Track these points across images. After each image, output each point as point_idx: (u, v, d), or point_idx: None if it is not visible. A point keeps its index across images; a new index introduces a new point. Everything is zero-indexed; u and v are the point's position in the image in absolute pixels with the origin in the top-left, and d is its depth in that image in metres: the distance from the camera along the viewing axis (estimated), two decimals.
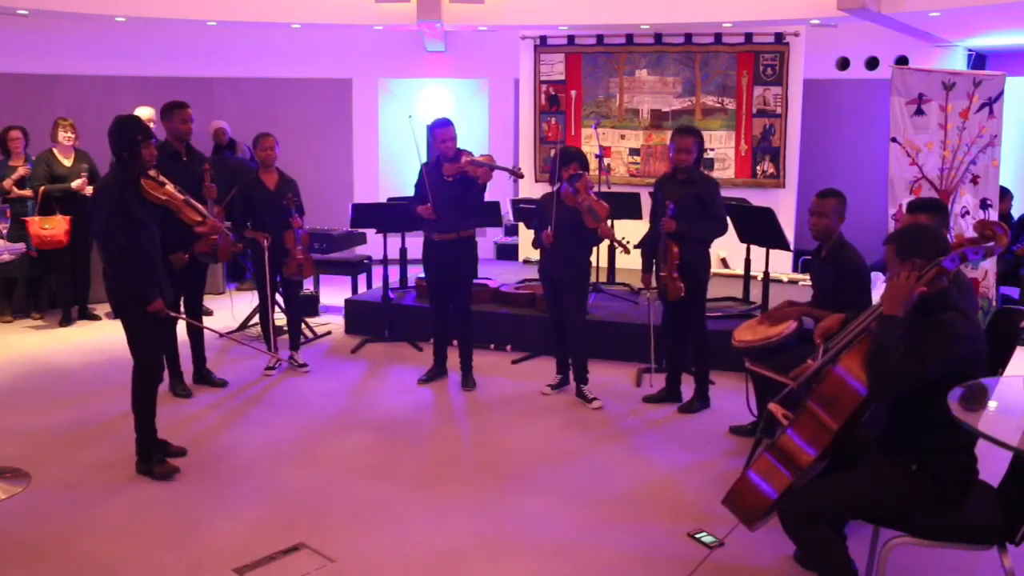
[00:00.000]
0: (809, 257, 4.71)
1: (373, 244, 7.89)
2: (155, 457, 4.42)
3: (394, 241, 7.20)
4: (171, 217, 4.70)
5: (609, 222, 5.33)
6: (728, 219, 6.78)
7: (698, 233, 5.18)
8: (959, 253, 2.93)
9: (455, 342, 6.00)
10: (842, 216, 4.42)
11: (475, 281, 7.42)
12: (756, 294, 6.94)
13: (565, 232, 5.36)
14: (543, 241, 5.44)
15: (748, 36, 8.45)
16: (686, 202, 5.16)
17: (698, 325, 5.37)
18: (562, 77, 9.08)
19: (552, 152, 6.67)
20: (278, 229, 5.94)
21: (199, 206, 4.98)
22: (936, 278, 2.89)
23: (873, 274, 4.56)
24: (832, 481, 3.06)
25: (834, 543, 2.98)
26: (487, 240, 9.47)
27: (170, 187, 4.66)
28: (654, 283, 5.42)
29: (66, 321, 7.42)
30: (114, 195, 4.22)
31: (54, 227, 7.00)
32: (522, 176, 5.60)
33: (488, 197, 8.64)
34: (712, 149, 8.59)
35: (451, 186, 5.53)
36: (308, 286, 7.61)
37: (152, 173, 4.50)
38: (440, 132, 5.56)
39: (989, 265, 6.32)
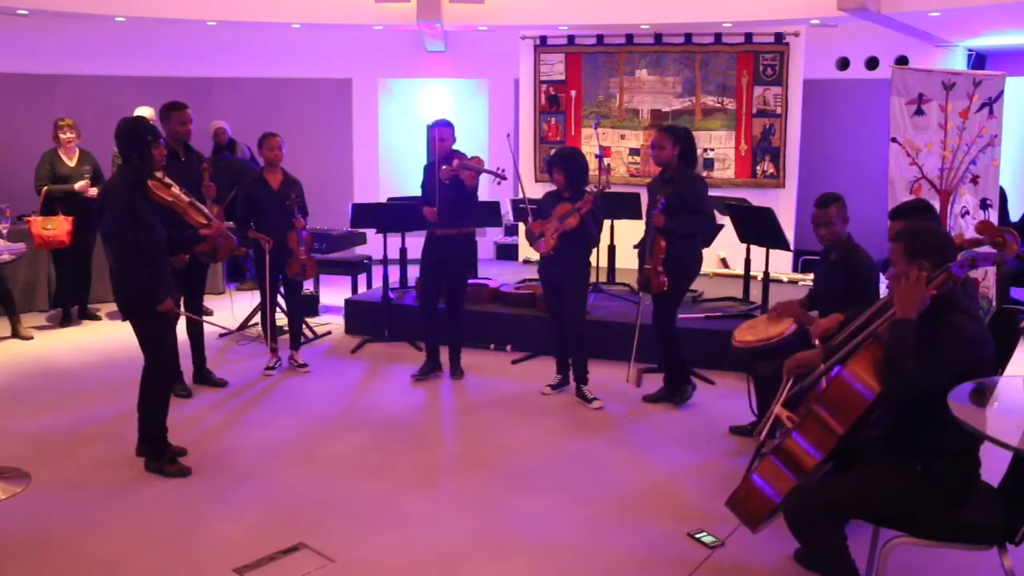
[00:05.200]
0: (810, 257, 4.70)
1: (373, 244, 7.90)
2: (166, 456, 4.43)
3: (394, 241, 7.20)
4: (172, 218, 4.71)
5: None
6: (724, 217, 6.83)
7: (685, 229, 5.17)
8: (968, 259, 2.92)
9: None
10: (846, 218, 4.39)
11: (475, 281, 7.51)
12: (756, 294, 6.94)
13: (563, 233, 5.37)
14: (531, 232, 5.52)
15: (748, 36, 8.45)
16: (670, 201, 5.17)
17: (664, 318, 5.34)
18: (562, 77, 9.08)
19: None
20: (281, 229, 5.94)
21: (204, 208, 5.00)
22: (944, 282, 2.89)
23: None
24: (838, 480, 3.06)
25: (837, 542, 2.98)
26: (487, 240, 9.47)
27: (176, 188, 4.69)
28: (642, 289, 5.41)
29: (66, 321, 7.42)
30: (122, 196, 4.23)
31: (56, 227, 7.00)
32: (505, 178, 5.75)
33: (488, 197, 8.74)
34: (712, 149, 8.60)
35: (448, 187, 5.70)
36: (308, 286, 7.61)
37: (159, 174, 4.52)
38: (436, 132, 5.80)
39: (990, 266, 6.32)
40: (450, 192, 5.70)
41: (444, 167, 5.68)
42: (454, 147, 5.83)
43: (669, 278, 5.20)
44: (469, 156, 5.79)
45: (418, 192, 6.14)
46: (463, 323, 6.09)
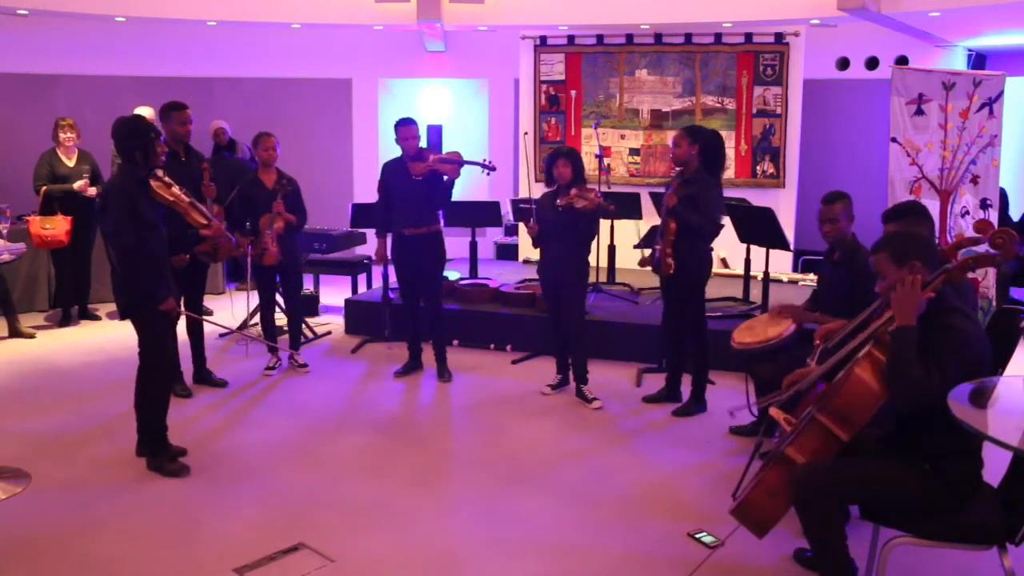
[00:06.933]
0: (810, 257, 4.70)
1: (373, 244, 7.87)
2: (166, 453, 4.43)
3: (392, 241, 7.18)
4: (172, 218, 4.71)
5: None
6: (725, 220, 6.81)
7: (691, 220, 5.11)
8: (969, 260, 2.92)
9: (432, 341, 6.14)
10: (851, 216, 4.40)
11: (475, 281, 7.52)
12: (756, 294, 6.94)
13: (561, 232, 5.38)
14: (528, 234, 5.55)
15: (748, 36, 8.45)
16: (683, 202, 5.15)
17: (697, 326, 5.35)
18: (562, 77, 9.08)
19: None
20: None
21: (204, 208, 5.00)
22: (942, 284, 2.89)
23: None
24: (851, 463, 3.03)
25: (839, 528, 2.98)
26: (487, 240, 9.47)
27: (176, 188, 4.69)
28: (651, 267, 5.40)
29: (66, 321, 7.42)
30: (125, 196, 4.22)
31: (55, 227, 7.01)
32: (494, 169, 5.79)
33: (488, 197, 8.74)
34: None
35: (419, 184, 5.72)
36: (308, 286, 7.61)
37: (160, 174, 4.52)
38: (403, 130, 5.78)
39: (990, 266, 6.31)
40: (420, 190, 5.72)
41: (418, 164, 5.68)
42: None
43: (685, 277, 5.17)
44: (447, 152, 5.82)
45: None
46: (443, 322, 6.08)
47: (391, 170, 5.89)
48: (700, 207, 5.11)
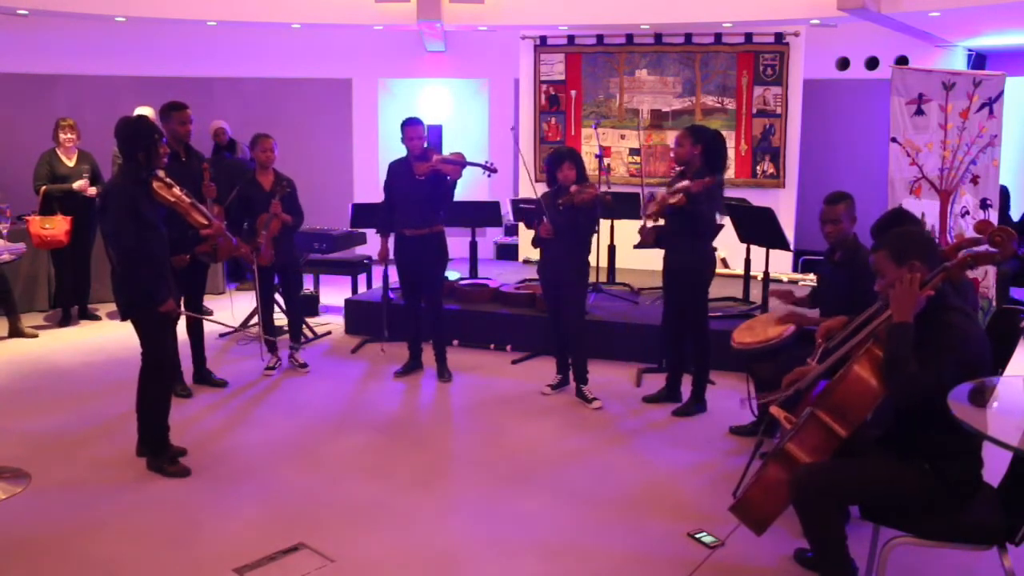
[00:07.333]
0: (811, 257, 4.69)
1: (373, 244, 7.87)
2: (167, 454, 4.43)
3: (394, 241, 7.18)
4: (173, 218, 4.71)
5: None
6: (724, 217, 6.81)
7: (702, 208, 5.07)
8: (968, 258, 2.93)
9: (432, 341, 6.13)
10: (853, 217, 4.40)
11: (475, 281, 7.52)
12: (756, 294, 6.94)
13: (561, 232, 5.38)
14: (541, 233, 5.49)
15: (748, 36, 8.46)
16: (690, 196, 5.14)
17: (699, 326, 5.35)
18: (562, 77, 9.08)
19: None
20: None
21: (204, 209, 5.00)
22: (940, 282, 2.90)
23: None
24: (850, 463, 3.04)
25: (838, 525, 2.98)
26: (487, 240, 9.47)
27: (177, 189, 4.69)
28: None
29: (66, 321, 7.42)
30: (125, 196, 4.22)
31: (55, 227, 7.01)
32: (496, 171, 5.79)
33: (488, 197, 8.74)
34: None
35: (422, 184, 5.73)
36: (308, 286, 7.61)
37: (160, 174, 4.52)
38: (409, 130, 5.78)
39: (989, 265, 6.31)
40: (423, 190, 5.73)
41: (422, 164, 5.69)
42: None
43: (688, 283, 5.20)
44: (450, 153, 5.85)
45: None
46: (443, 322, 6.08)
47: (395, 170, 5.91)
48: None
